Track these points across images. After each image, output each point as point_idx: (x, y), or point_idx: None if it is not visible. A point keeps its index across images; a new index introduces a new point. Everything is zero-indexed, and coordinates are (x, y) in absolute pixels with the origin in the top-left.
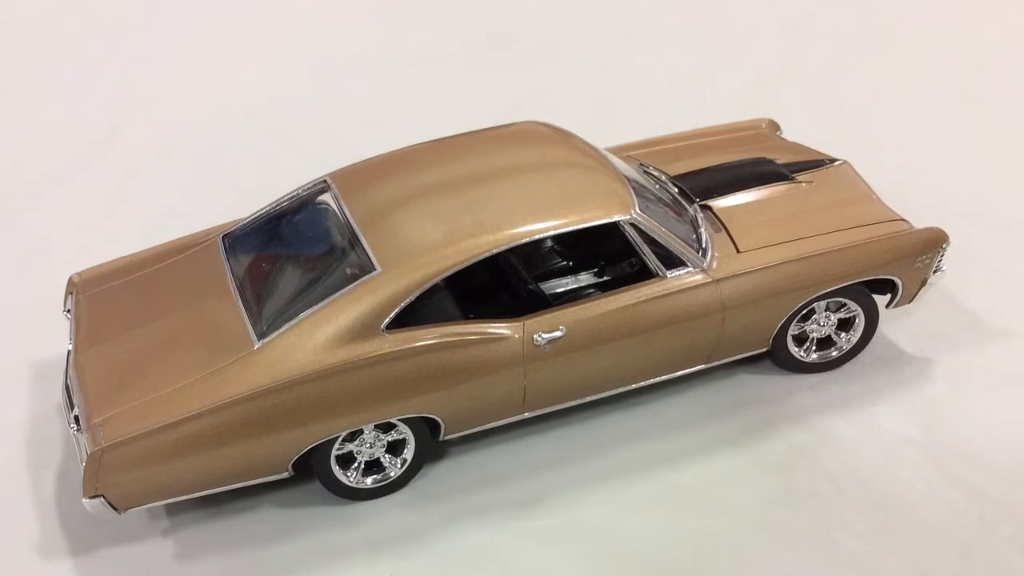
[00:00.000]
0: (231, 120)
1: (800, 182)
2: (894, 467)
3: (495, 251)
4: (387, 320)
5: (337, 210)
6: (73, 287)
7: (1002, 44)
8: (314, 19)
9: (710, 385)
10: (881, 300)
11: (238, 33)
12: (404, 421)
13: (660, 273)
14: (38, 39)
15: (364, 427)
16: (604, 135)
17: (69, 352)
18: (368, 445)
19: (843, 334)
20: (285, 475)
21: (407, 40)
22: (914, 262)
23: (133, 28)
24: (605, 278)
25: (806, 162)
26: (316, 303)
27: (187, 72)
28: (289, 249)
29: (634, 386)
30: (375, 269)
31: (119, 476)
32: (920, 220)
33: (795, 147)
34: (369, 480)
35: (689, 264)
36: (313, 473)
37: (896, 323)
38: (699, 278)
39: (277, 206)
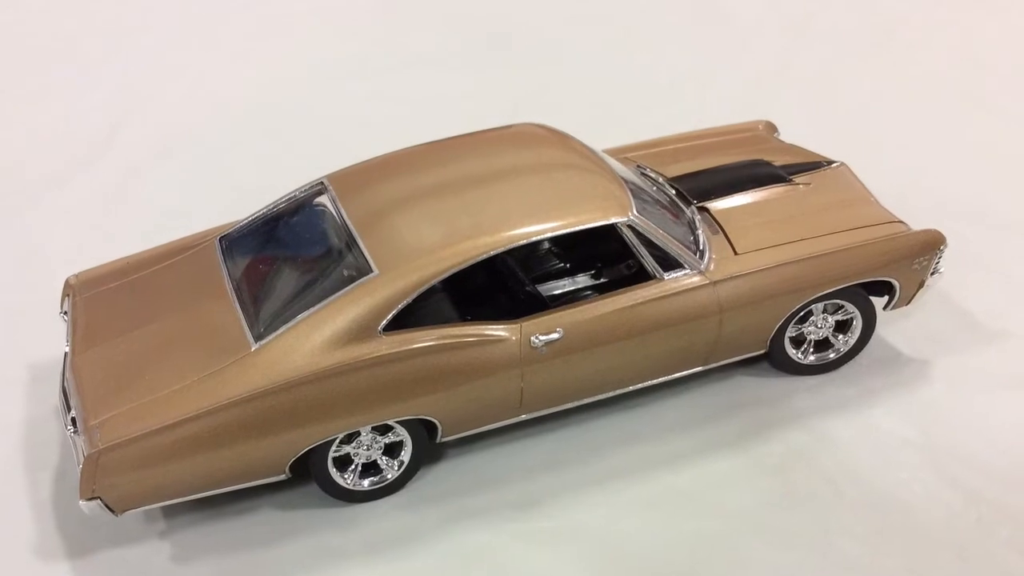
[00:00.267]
0: (230, 121)
1: (798, 184)
2: (892, 469)
3: (492, 253)
4: (384, 322)
5: (334, 212)
6: (70, 289)
7: (1001, 45)
8: (313, 20)
9: (708, 387)
10: (879, 302)
11: (237, 34)
12: (401, 423)
13: (657, 275)
14: (37, 39)
15: (361, 429)
16: (602, 136)
17: (66, 354)
18: (365, 447)
19: (841, 336)
20: (282, 477)
21: (406, 41)
22: (912, 264)
23: (132, 29)
24: (602, 280)
25: (804, 164)
26: (313, 305)
27: (186, 73)
28: (286, 251)
29: (631, 388)
30: (372, 271)
31: (116, 478)
32: (918, 222)
33: (792, 149)
34: (366, 482)
35: (686, 266)
36: (310, 475)
37: (894, 325)
38: (696, 280)
39: (274, 208)
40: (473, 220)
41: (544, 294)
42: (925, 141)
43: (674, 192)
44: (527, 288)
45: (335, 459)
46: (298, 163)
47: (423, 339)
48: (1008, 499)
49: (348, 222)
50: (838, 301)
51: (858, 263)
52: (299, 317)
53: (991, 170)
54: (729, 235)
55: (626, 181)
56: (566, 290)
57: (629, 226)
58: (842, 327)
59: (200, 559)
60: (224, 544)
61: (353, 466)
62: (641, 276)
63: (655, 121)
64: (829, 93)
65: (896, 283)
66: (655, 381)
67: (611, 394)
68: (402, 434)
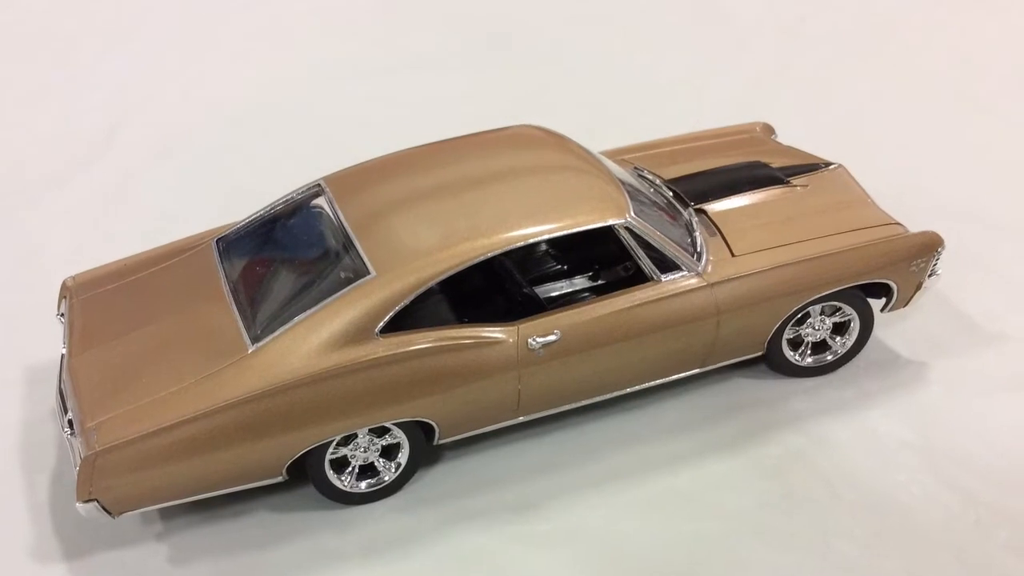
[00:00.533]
0: (228, 122)
1: (795, 186)
2: (889, 471)
3: (490, 255)
4: (381, 324)
5: (331, 214)
6: (67, 291)
7: (999, 46)
8: (312, 21)
9: (705, 389)
10: (876, 304)
11: (236, 34)
12: (398, 425)
13: (655, 277)
14: (37, 40)
15: (358, 431)
16: (600, 138)
17: (63, 356)
18: (362, 449)
19: (838, 338)
20: (279, 479)
21: (403, 42)
22: (909, 266)
23: (131, 29)
24: (600, 282)
25: (801, 166)
26: (310, 307)
27: (185, 73)
28: (283, 253)
29: (629, 390)
30: (369, 273)
31: (113, 480)
32: (915, 223)
33: (790, 151)
34: (363, 484)
35: (684, 268)
36: (307, 477)
37: (891, 327)
38: (694, 282)
39: (271, 210)
40: (470, 222)
41: (541, 296)
42: (923, 143)
43: (671, 194)
44: (524, 290)
45: (332, 461)
46: (296, 164)
47: (420, 341)
48: (1006, 501)
49: (345, 224)
50: (836, 303)
51: (856, 265)
52: (296, 319)
53: (989, 172)
54: (726, 237)
55: (623, 183)
56: (563, 292)
57: (626, 228)
58: (840, 329)
59: (197, 561)
60: (221, 546)
61: (350, 468)
62: (638, 278)
63: (652, 123)
64: (826, 95)
65: (894, 285)
66: (653, 383)
67: (609, 396)
68: (399, 436)
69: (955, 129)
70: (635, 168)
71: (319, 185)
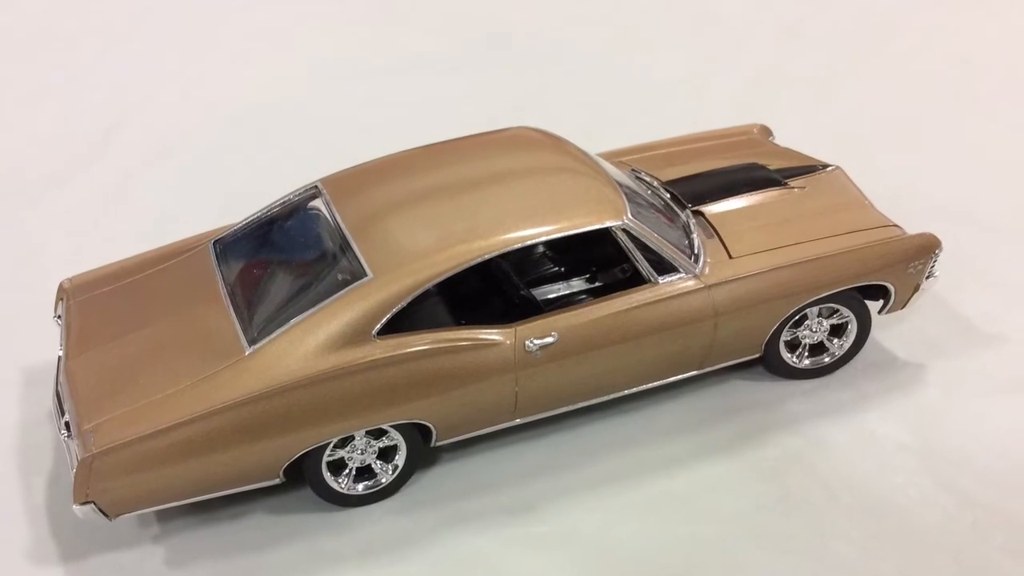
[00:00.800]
0: (226, 124)
1: (792, 188)
2: (887, 473)
3: (487, 257)
4: (378, 326)
5: (328, 216)
6: (64, 293)
7: (995, 48)
8: (311, 22)
9: (702, 391)
10: (874, 306)
11: (235, 36)
12: (395, 427)
13: (652, 279)
14: (35, 41)
15: (355, 433)
16: (597, 140)
17: (60, 358)
18: (359, 451)
19: (836, 340)
20: (276, 481)
21: (402, 44)
22: (907, 268)
23: (130, 31)
24: (597, 284)
25: (798, 167)
26: (307, 309)
27: (183, 76)
28: (280, 255)
29: (626, 392)
30: (366, 275)
31: (110, 482)
32: (913, 225)
33: (787, 152)
34: (360, 486)
35: (681, 270)
36: (304, 479)
37: (889, 329)
38: (691, 284)
39: (268, 212)
40: (467, 224)
41: (539, 298)
42: (920, 144)
43: (669, 196)
44: (522, 292)
45: (329, 463)
46: (295, 166)
47: (417, 343)
48: (1004, 503)
49: (342, 226)
50: (833, 305)
51: (853, 267)
52: (293, 321)
53: (986, 173)
54: (724, 239)
55: (621, 185)
56: (561, 294)
57: (624, 230)
58: (837, 331)
59: (194, 563)
60: (218, 548)
61: (347, 470)
62: (636, 280)
63: (650, 124)
64: (824, 96)
65: (891, 287)
66: (650, 385)
67: (606, 398)
68: (396, 438)
69: (953, 131)
70: (632, 170)
71: (316, 187)
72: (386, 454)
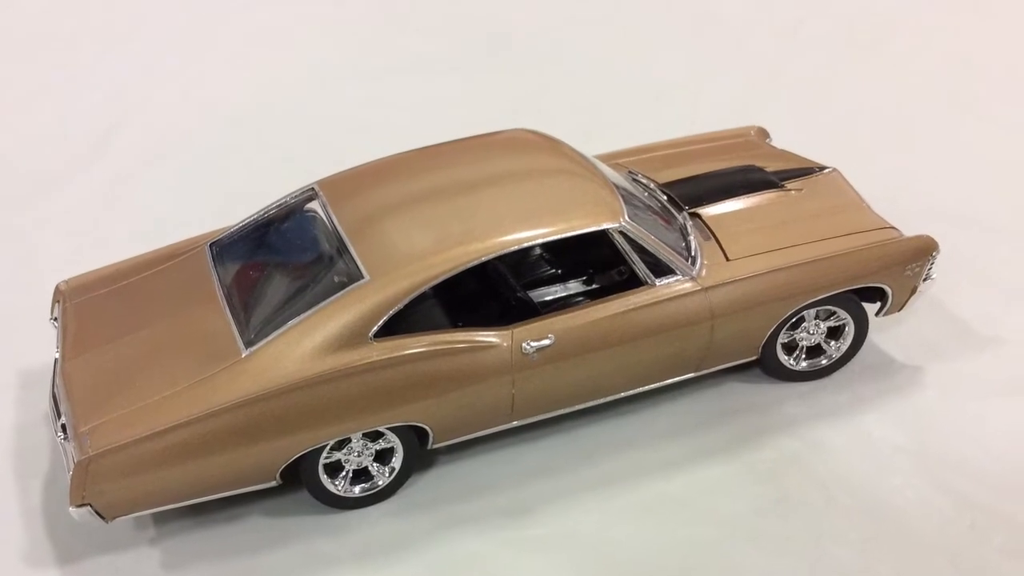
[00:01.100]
0: (224, 125)
1: (789, 190)
2: (884, 475)
3: (484, 259)
4: (375, 328)
5: (325, 218)
6: (60, 295)
7: (992, 50)
8: (308, 24)
9: (699, 394)
10: (871, 308)
11: (232, 38)
12: (392, 430)
13: (649, 281)
14: (32, 42)
15: (352, 436)
16: (594, 142)
17: (56, 360)
18: (356, 454)
19: (833, 342)
20: (273, 484)
21: (400, 45)
22: (904, 270)
23: (127, 33)
24: (594, 286)
25: (795, 170)
26: (304, 311)
27: (179, 78)
28: (277, 257)
29: (623, 395)
30: (363, 277)
31: (106, 485)
32: (910, 227)
33: (784, 154)
34: (357, 489)
35: (678, 272)
36: (301, 482)
37: (886, 331)
38: (688, 286)
39: (265, 214)
40: (464, 226)
41: (535, 300)
42: (917, 146)
43: (666, 198)
44: (518, 294)
45: (326, 466)
46: (292, 168)
47: (414, 345)
48: (1001, 505)
49: (339, 228)
50: (830, 307)
51: (850, 269)
52: (290, 323)
53: (984, 175)
54: (721, 241)
55: (618, 187)
56: (558, 296)
57: (621, 232)
58: (834, 333)
59: (191, 566)
60: (215, 551)
61: (344, 473)
62: (633, 282)
63: (647, 126)
64: (821, 98)
65: (888, 289)
66: (647, 387)
67: (603, 400)
68: (393, 441)
69: (950, 133)
70: (629, 172)
71: (313, 189)
72: (383, 456)
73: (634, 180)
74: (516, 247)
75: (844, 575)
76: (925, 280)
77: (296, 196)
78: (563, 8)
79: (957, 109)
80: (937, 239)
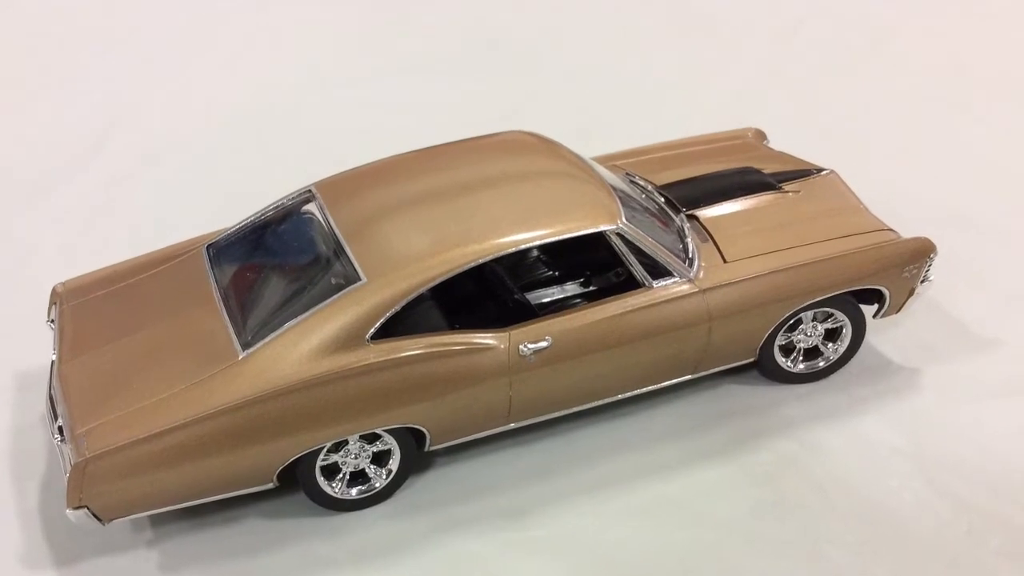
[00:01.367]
0: (220, 127)
1: (787, 192)
2: (881, 478)
3: (481, 261)
4: (372, 330)
5: (322, 220)
6: (57, 297)
7: (989, 52)
8: (304, 26)
9: (697, 396)
10: (868, 310)
11: (227, 40)
12: (389, 432)
13: (646, 283)
14: (25, 46)
15: (349, 438)
16: (591, 144)
17: (53, 362)
18: (353, 456)
19: (830, 344)
20: (270, 486)
21: (396, 48)
22: (901, 272)
23: (122, 35)
24: (591, 288)
25: (793, 171)
26: (301, 313)
27: (176, 79)
28: (274, 259)
29: (620, 397)
30: (360, 279)
31: (103, 487)
32: (907, 229)
33: (782, 156)
34: (354, 491)
35: (675, 274)
36: (298, 484)
37: (883, 333)
38: (685, 288)
39: (262, 216)
40: (461, 228)
41: (533, 302)
42: (915, 148)
43: (663, 200)
44: (515, 296)
45: (323, 468)
46: (288, 170)
47: (411, 347)
48: (999, 508)
49: (336, 230)
50: (828, 309)
51: (848, 271)
52: (287, 325)
53: (981, 177)
54: (718, 243)
55: (615, 189)
56: (555, 298)
57: (618, 234)
58: (832, 335)
59: (187, 568)
60: (212, 553)
61: (341, 475)
62: (630, 284)
63: (645, 128)
64: (818, 100)
65: (886, 291)
66: (644, 389)
67: (600, 403)
68: (390, 443)
69: (948, 134)
70: (627, 174)
71: (310, 191)
72: (380, 458)
73: (631, 182)
74: (513, 249)
75: None
76: (922, 282)
77: (293, 198)
78: (559, 10)
79: (955, 111)
80: (935, 241)
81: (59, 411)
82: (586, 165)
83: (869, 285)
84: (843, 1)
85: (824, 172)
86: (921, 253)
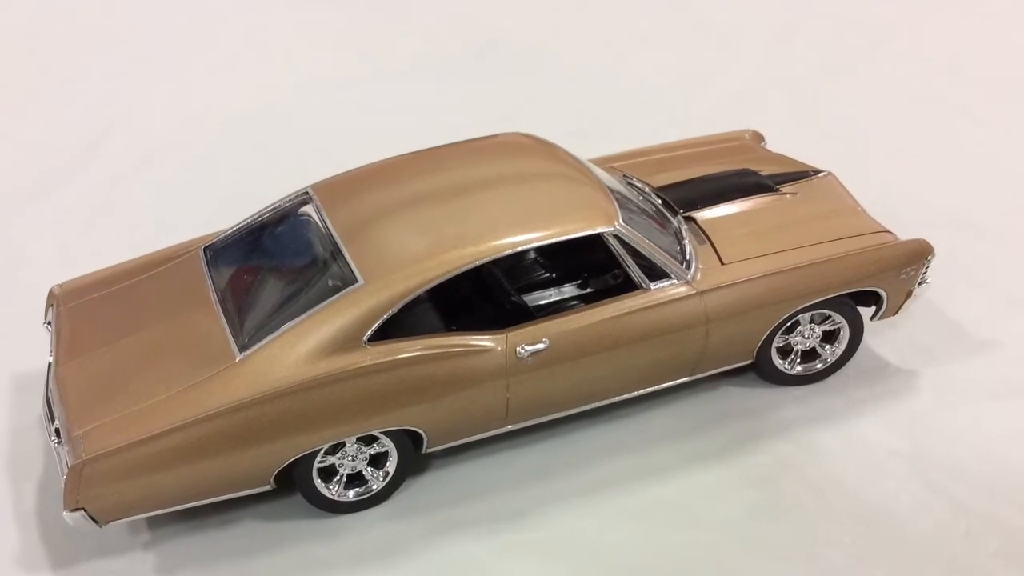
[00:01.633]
0: (217, 130)
1: (784, 194)
2: (879, 480)
3: (478, 263)
4: (369, 332)
5: (319, 222)
6: (54, 299)
7: (987, 55)
8: (301, 29)
9: (694, 398)
10: (866, 312)
11: (223, 43)
12: (386, 434)
13: (644, 285)
14: (22, 49)
15: (346, 440)
16: (588, 146)
17: (50, 364)
18: (350, 458)
19: (828, 346)
20: (267, 488)
21: (393, 50)
22: (899, 274)
23: (118, 37)
24: (588, 290)
25: (790, 173)
26: (298, 315)
27: (174, 81)
28: (271, 261)
29: (618, 399)
30: (357, 281)
31: (100, 489)
32: (905, 231)
33: (779, 158)
34: (351, 493)
35: (673, 276)
36: (295, 486)
37: (881, 335)
38: (683, 290)
39: (259, 218)
40: (459, 230)
41: (530, 304)
42: (912, 150)
43: (660, 202)
44: (513, 298)
45: (320, 470)
46: (285, 172)
47: (408, 349)
48: (997, 510)
49: (333, 232)
50: (825, 311)
51: (845, 273)
52: (284, 327)
53: (979, 180)
54: (716, 245)
55: (612, 191)
56: (552, 300)
57: (615, 236)
58: (829, 337)
59: (184, 570)
60: (209, 555)
61: (338, 477)
62: (627, 286)
63: (642, 130)
64: (818, 101)
65: (883, 293)
66: (642, 391)
67: (597, 404)
68: (387, 445)
69: (946, 136)
70: (624, 176)
71: (307, 193)
72: (377, 460)
73: (629, 184)
74: (511, 251)
75: None
76: (920, 284)
77: (290, 200)
78: (557, 12)
79: (954, 112)
80: (932, 243)
81: (56, 413)
82: (583, 167)
83: (866, 287)
84: (843, 1)
85: (822, 174)
86: (918, 255)
